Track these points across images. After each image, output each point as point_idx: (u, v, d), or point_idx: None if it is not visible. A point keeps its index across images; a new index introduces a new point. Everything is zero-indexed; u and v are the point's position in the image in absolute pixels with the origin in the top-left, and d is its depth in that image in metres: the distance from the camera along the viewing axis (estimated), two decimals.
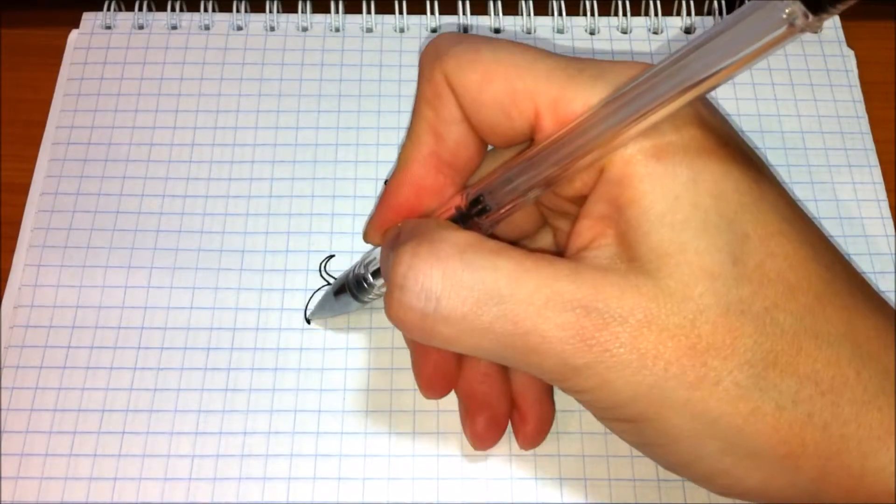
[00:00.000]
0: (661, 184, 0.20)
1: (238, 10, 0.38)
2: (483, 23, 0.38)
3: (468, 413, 0.27)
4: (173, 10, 0.38)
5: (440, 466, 0.29)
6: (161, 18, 0.38)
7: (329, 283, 0.32)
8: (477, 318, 0.20)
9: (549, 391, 0.28)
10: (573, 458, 0.29)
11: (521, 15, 0.38)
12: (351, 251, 0.33)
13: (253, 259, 0.33)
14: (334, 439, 0.29)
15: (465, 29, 0.38)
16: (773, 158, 0.35)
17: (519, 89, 0.21)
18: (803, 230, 0.21)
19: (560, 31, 0.38)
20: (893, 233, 0.33)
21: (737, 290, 0.20)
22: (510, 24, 0.38)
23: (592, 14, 0.38)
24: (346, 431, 0.30)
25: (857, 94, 0.36)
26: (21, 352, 0.31)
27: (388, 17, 0.38)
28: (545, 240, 0.27)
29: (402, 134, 0.35)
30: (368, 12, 0.38)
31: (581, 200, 0.22)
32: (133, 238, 0.33)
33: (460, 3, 0.38)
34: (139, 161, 0.34)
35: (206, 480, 0.29)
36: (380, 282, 0.27)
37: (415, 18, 0.38)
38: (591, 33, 0.38)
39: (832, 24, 0.38)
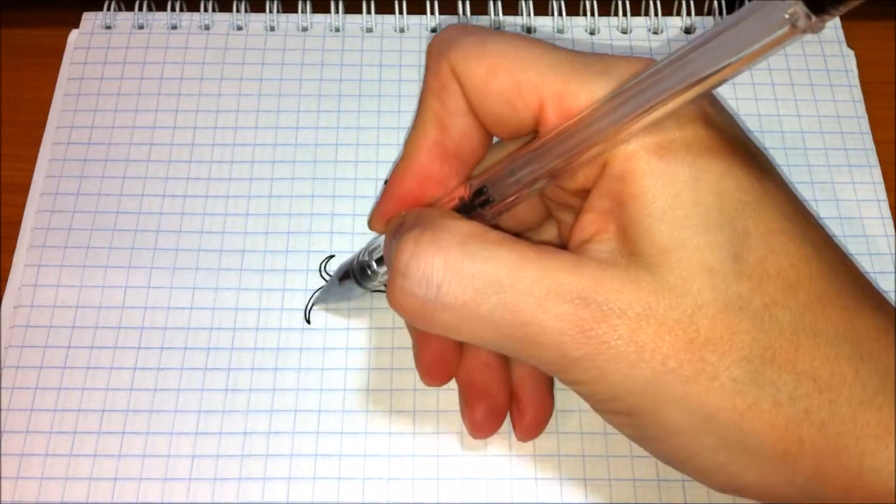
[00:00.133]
0: (662, 180, 0.20)
1: (238, 10, 0.38)
2: (483, 23, 0.38)
3: (467, 401, 0.28)
4: (173, 10, 0.38)
5: (440, 466, 0.29)
6: (161, 18, 0.38)
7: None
8: (477, 306, 0.21)
9: (549, 384, 0.28)
10: (573, 458, 0.29)
11: (521, 15, 0.38)
12: (351, 251, 0.33)
13: (253, 259, 0.33)
14: (334, 439, 0.29)
15: None
16: (774, 158, 0.35)
17: (524, 82, 0.22)
18: (806, 229, 0.21)
19: (560, 31, 0.38)
20: (893, 233, 0.33)
21: (736, 286, 0.20)
22: (510, 23, 0.38)
23: (592, 14, 0.38)
24: (346, 431, 0.30)
25: (857, 94, 0.36)
26: (21, 352, 0.31)
27: (388, 17, 0.38)
28: (550, 232, 0.27)
29: (403, 134, 0.35)
30: (368, 12, 0.38)
31: (585, 194, 0.22)
32: (133, 238, 0.33)
33: (460, 3, 0.38)
34: (139, 161, 0.34)
35: (206, 480, 0.29)
36: (383, 269, 0.28)
37: (415, 18, 0.38)
38: (591, 33, 0.38)
39: (832, 24, 0.38)
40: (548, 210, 0.26)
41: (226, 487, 0.29)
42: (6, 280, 0.32)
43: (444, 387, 0.30)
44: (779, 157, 0.35)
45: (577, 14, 0.38)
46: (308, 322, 0.31)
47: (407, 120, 0.36)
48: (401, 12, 0.38)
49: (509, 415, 0.28)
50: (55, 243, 0.33)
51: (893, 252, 0.33)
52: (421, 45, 0.37)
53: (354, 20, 0.38)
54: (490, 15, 0.38)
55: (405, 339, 0.31)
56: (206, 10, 0.38)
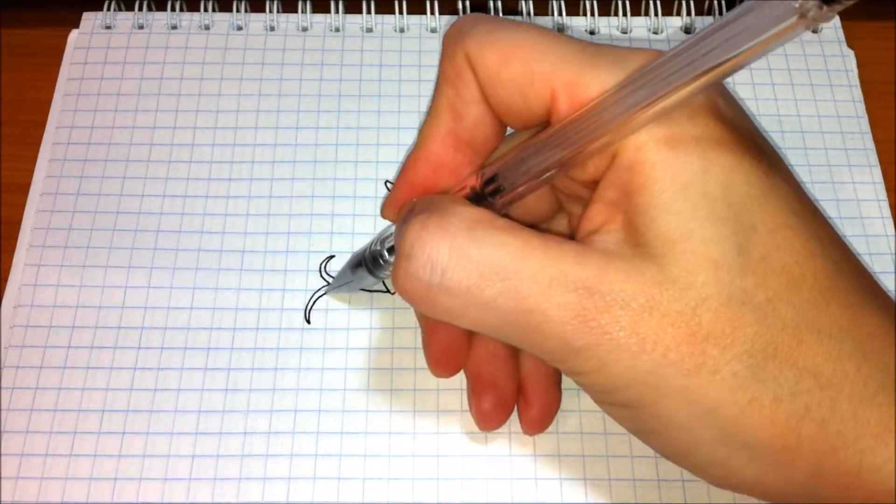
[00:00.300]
0: (671, 171, 0.20)
1: (238, 10, 0.38)
2: None
3: (475, 392, 0.28)
4: (173, 10, 0.38)
5: (440, 466, 0.29)
6: (161, 18, 0.38)
7: (329, 284, 0.32)
8: (480, 292, 0.21)
9: (557, 377, 0.28)
10: (573, 458, 0.29)
11: (522, 15, 0.38)
12: (351, 251, 0.33)
13: (253, 259, 0.33)
14: (334, 439, 0.29)
15: None
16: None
17: (536, 71, 0.22)
18: (813, 225, 0.21)
19: (560, 31, 0.38)
20: (893, 233, 0.33)
21: (740, 280, 0.20)
22: None
23: (592, 14, 0.38)
24: (346, 431, 0.30)
25: (857, 94, 0.36)
26: (21, 352, 0.31)
27: (388, 17, 0.38)
28: (560, 225, 0.27)
29: (403, 134, 0.35)
30: (368, 12, 0.38)
31: (594, 185, 0.22)
32: (133, 238, 0.33)
33: (460, 3, 0.38)
34: (139, 161, 0.34)
35: (207, 480, 0.29)
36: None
37: (415, 18, 0.38)
38: (591, 33, 0.38)
39: (832, 24, 0.38)
40: (558, 202, 0.26)
41: (226, 487, 0.29)
42: (6, 280, 0.32)
43: (444, 387, 0.30)
44: None
45: (577, 14, 0.38)
46: (308, 322, 0.31)
47: (407, 120, 0.36)
48: (401, 12, 0.38)
49: (516, 407, 0.28)
50: (55, 243, 0.33)
51: (893, 252, 0.33)
52: (421, 45, 0.37)
53: (354, 20, 0.38)
54: (490, 15, 0.38)
55: (405, 339, 0.31)
56: (206, 10, 0.38)
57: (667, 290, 0.20)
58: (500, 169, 0.23)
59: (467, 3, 0.38)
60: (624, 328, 0.20)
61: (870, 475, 0.19)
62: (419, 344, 0.31)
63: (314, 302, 0.32)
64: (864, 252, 0.33)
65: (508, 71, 0.22)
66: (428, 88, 0.36)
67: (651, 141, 0.20)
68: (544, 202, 0.26)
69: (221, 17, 0.38)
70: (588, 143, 0.21)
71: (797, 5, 0.16)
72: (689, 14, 0.38)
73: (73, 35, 0.38)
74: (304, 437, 0.29)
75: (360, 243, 0.33)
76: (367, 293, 0.32)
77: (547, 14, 0.38)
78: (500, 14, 0.38)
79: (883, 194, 0.34)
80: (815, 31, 0.38)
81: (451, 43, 0.23)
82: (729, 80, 0.22)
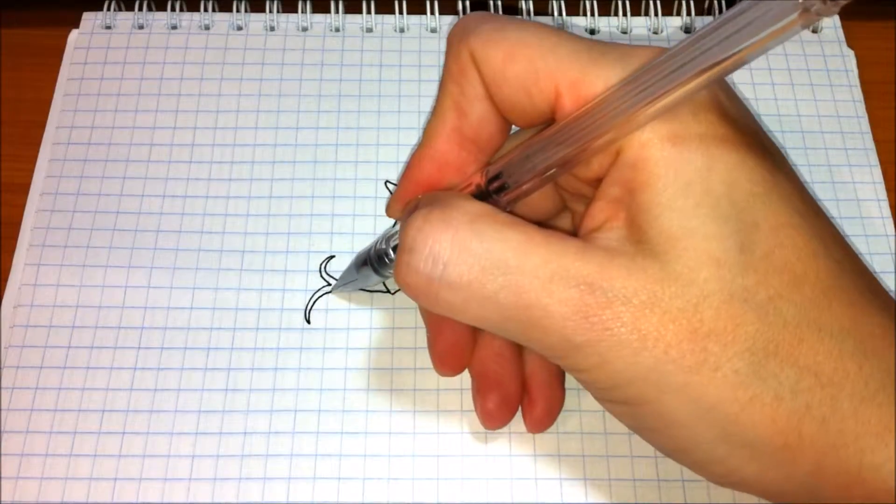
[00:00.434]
0: (674, 169, 0.20)
1: (238, 10, 0.38)
2: None
3: (480, 391, 0.28)
4: (173, 10, 0.38)
5: (440, 466, 0.29)
6: (161, 18, 0.38)
7: (329, 284, 0.32)
8: (482, 286, 0.21)
9: (561, 376, 0.28)
10: (573, 458, 0.29)
11: (522, 14, 0.38)
12: (351, 252, 0.33)
13: (253, 259, 0.33)
14: (334, 439, 0.29)
15: None
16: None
17: (541, 69, 0.22)
18: (815, 224, 0.21)
19: None
20: (893, 233, 0.33)
21: (742, 278, 0.20)
22: None
23: (592, 14, 0.38)
24: (346, 431, 0.30)
25: (857, 94, 0.36)
26: (21, 352, 0.31)
27: (388, 17, 0.38)
28: (564, 223, 0.27)
29: (403, 134, 0.35)
30: (368, 12, 0.38)
31: (598, 183, 0.22)
32: (133, 238, 0.33)
33: (460, 3, 0.38)
34: (139, 161, 0.34)
35: (207, 480, 0.29)
36: None
37: (415, 18, 0.38)
38: (592, 33, 0.38)
39: (832, 24, 0.38)
40: (562, 201, 0.26)
41: (226, 487, 0.29)
42: (6, 280, 0.32)
43: (444, 387, 0.30)
44: None
45: (577, 14, 0.38)
46: (308, 322, 0.31)
47: (407, 120, 0.36)
48: (401, 12, 0.38)
49: (521, 406, 0.28)
50: (55, 243, 0.33)
51: (893, 252, 0.33)
52: (421, 45, 0.37)
53: (354, 20, 0.38)
54: None
55: (405, 339, 0.31)
56: (206, 10, 0.38)
57: (669, 286, 0.20)
58: (505, 166, 0.23)
59: (467, 3, 0.38)
60: (625, 324, 0.20)
61: (870, 474, 0.19)
62: (419, 344, 0.31)
63: (314, 302, 0.32)
64: (864, 252, 0.33)
65: (513, 68, 0.22)
66: (428, 88, 0.36)
67: (655, 138, 0.20)
68: (548, 200, 0.26)
69: (221, 17, 0.38)
70: (592, 140, 0.21)
71: (801, 0, 0.16)
72: (689, 14, 0.38)
73: (73, 35, 0.38)
74: (304, 437, 0.29)
75: (361, 243, 0.33)
76: (367, 293, 0.32)
77: (547, 14, 0.38)
78: (500, 14, 0.38)
79: (883, 194, 0.34)
80: (815, 31, 0.38)
81: (455, 41, 0.23)
82: (729, 79, 0.22)
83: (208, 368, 0.30)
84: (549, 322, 0.20)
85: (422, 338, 0.31)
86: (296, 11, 0.38)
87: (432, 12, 0.38)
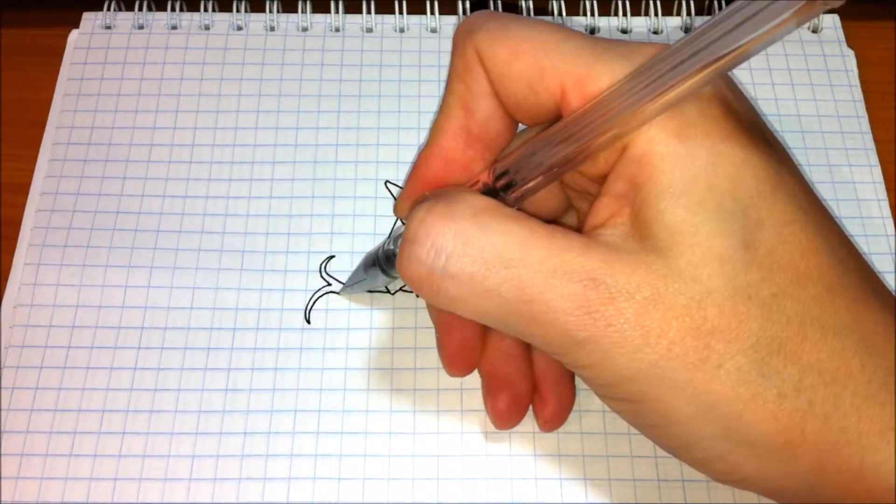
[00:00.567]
0: (680, 164, 0.20)
1: (238, 10, 0.38)
2: None
3: (490, 391, 0.28)
4: (173, 10, 0.38)
5: (440, 466, 0.29)
6: (161, 18, 0.38)
7: (329, 284, 0.32)
8: (484, 279, 0.21)
9: (570, 374, 0.28)
10: (573, 458, 0.29)
11: (522, 14, 0.38)
12: (351, 252, 0.33)
13: (253, 259, 0.33)
14: (334, 439, 0.29)
15: None
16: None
17: (546, 66, 0.21)
18: (819, 221, 0.21)
19: None
20: (893, 233, 0.33)
21: (745, 274, 0.20)
22: None
23: (592, 14, 0.38)
24: (346, 431, 0.30)
25: (857, 94, 0.36)
26: (21, 352, 0.31)
27: (388, 17, 0.38)
28: (570, 223, 0.27)
29: (403, 134, 0.35)
30: (368, 12, 0.38)
31: (604, 180, 0.22)
32: (133, 238, 0.33)
33: (460, 3, 0.38)
34: (139, 161, 0.34)
35: (207, 481, 0.29)
36: None
37: (415, 18, 0.38)
38: (592, 32, 0.38)
39: (832, 24, 0.38)
40: (568, 200, 0.26)
41: (226, 488, 0.29)
42: (6, 280, 0.32)
43: (444, 387, 0.30)
44: None
45: (577, 14, 0.38)
46: (308, 322, 0.31)
47: (407, 120, 0.36)
48: (401, 12, 0.38)
49: (532, 405, 0.28)
50: (55, 242, 0.33)
51: (893, 252, 0.33)
52: (421, 45, 0.37)
53: (354, 20, 0.38)
54: None
55: (405, 339, 0.31)
56: (206, 10, 0.38)
57: (672, 283, 0.20)
58: (512, 163, 0.23)
59: (467, 4, 0.38)
60: (628, 320, 0.20)
61: (871, 472, 0.19)
62: (419, 344, 0.31)
63: (314, 302, 0.32)
64: (864, 252, 0.33)
65: (518, 65, 0.22)
66: (428, 88, 0.36)
67: (661, 133, 0.20)
68: (554, 199, 0.26)
69: (221, 17, 0.38)
70: (599, 135, 0.21)
71: None
72: (689, 14, 0.38)
73: (73, 35, 0.38)
74: (304, 437, 0.29)
75: (361, 243, 0.33)
76: (367, 293, 0.32)
77: (547, 13, 0.38)
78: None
79: (883, 194, 0.34)
80: (814, 31, 0.38)
81: (461, 39, 0.23)
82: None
83: (208, 368, 0.30)
84: (551, 317, 0.20)
85: (422, 338, 0.31)
86: (296, 11, 0.38)
87: (432, 12, 0.38)
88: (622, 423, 0.29)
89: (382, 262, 0.28)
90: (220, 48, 0.37)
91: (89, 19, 0.38)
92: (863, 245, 0.33)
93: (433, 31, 0.38)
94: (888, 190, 0.34)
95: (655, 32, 0.38)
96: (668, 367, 0.20)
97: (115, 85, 0.36)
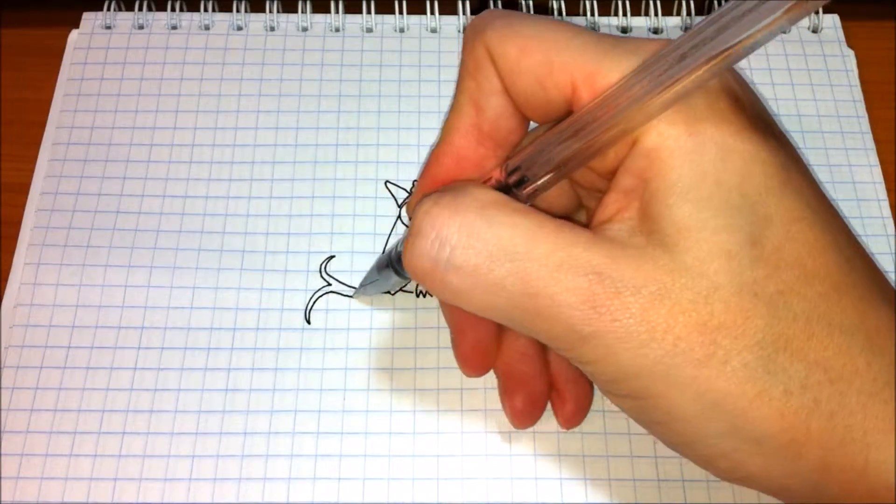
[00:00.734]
0: (689, 159, 0.20)
1: (238, 10, 0.38)
2: None
3: (507, 391, 0.28)
4: (173, 10, 0.38)
5: (440, 466, 0.29)
6: (161, 18, 0.38)
7: (329, 284, 0.32)
8: (489, 272, 0.20)
9: None
10: (573, 457, 0.29)
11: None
12: (351, 252, 0.33)
13: (253, 259, 0.33)
14: (334, 439, 0.29)
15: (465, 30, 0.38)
16: None
17: (556, 62, 0.21)
18: (826, 219, 0.21)
19: None
20: (893, 233, 0.33)
21: (752, 271, 0.19)
22: None
23: (592, 14, 0.38)
24: (346, 431, 0.30)
25: (857, 94, 0.36)
26: (21, 352, 0.31)
27: (388, 17, 0.38)
28: (580, 221, 0.27)
29: (403, 134, 0.35)
30: (368, 12, 0.38)
31: (613, 177, 0.22)
32: (133, 238, 0.33)
33: (460, 3, 0.38)
34: (139, 161, 0.34)
35: (207, 481, 0.29)
36: None
37: (415, 18, 0.38)
38: None
39: (832, 24, 0.38)
40: (578, 198, 0.26)
41: (226, 488, 0.29)
42: (6, 280, 0.32)
43: (444, 387, 0.30)
44: None
45: (578, 13, 0.38)
46: (308, 322, 0.31)
47: (407, 120, 0.36)
48: (401, 12, 0.38)
49: (550, 404, 0.28)
50: (55, 242, 0.33)
51: (893, 252, 0.33)
52: (421, 45, 0.37)
53: (354, 20, 0.38)
54: None
55: (405, 339, 0.31)
56: (206, 10, 0.38)
57: (679, 278, 0.19)
58: (524, 159, 0.23)
59: (467, 4, 0.38)
60: (633, 315, 0.19)
61: (875, 471, 0.19)
62: (419, 344, 0.31)
63: (314, 302, 0.32)
64: None
65: (528, 62, 0.22)
66: (428, 88, 0.36)
67: (671, 128, 0.20)
68: (564, 197, 0.26)
69: (221, 17, 0.38)
70: (609, 129, 0.21)
71: None
72: (689, 14, 0.38)
73: (73, 35, 0.38)
74: (304, 437, 0.29)
75: (361, 243, 0.33)
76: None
77: (547, 13, 0.38)
78: None
79: (883, 194, 0.34)
80: (815, 31, 0.38)
81: (471, 37, 0.23)
82: None
83: (208, 368, 0.30)
84: (555, 311, 0.20)
85: (422, 338, 0.31)
86: (296, 11, 0.38)
87: (432, 12, 0.38)
88: (622, 423, 0.29)
89: (395, 263, 0.28)
90: (220, 48, 0.37)
91: (89, 19, 0.38)
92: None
93: (433, 31, 0.38)
94: (888, 190, 0.34)
95: (655, 32, 0.38)
96: (673, 363, 0.19)
97: (115, 85, 0.36)
